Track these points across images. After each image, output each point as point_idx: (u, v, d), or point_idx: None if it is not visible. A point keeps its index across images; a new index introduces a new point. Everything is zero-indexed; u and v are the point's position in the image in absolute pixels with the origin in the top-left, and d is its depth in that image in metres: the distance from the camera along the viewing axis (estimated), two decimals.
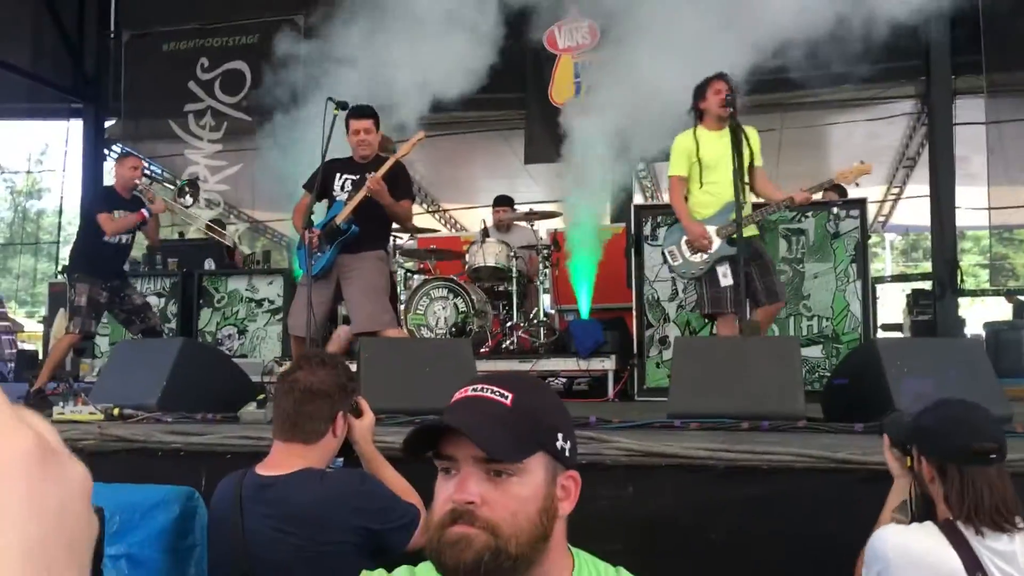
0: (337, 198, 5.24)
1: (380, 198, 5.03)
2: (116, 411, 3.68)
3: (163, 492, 2.24)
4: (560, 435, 1.27)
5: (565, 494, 1.27)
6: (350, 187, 5.22)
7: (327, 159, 5.12)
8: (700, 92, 5.06)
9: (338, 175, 5.28)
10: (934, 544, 1.94)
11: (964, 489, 1.96)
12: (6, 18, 10.61)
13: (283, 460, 2.12)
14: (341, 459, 2.32)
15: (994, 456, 2.00)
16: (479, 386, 1.26)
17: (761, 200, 5.02)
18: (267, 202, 11.24)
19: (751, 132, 5.07)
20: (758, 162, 5.04)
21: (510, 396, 1.24)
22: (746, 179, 4.90)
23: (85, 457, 2.87)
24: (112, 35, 11.48)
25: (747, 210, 4.80)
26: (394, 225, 5.82)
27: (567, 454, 1.28)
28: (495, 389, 1.25)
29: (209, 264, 7.85)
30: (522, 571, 1.21)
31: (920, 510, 2.10)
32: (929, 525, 2.00)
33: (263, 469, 2.12)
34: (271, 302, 7.25)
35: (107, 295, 5.97)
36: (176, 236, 9.09)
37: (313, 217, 5.15)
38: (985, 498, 1.94)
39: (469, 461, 1.20)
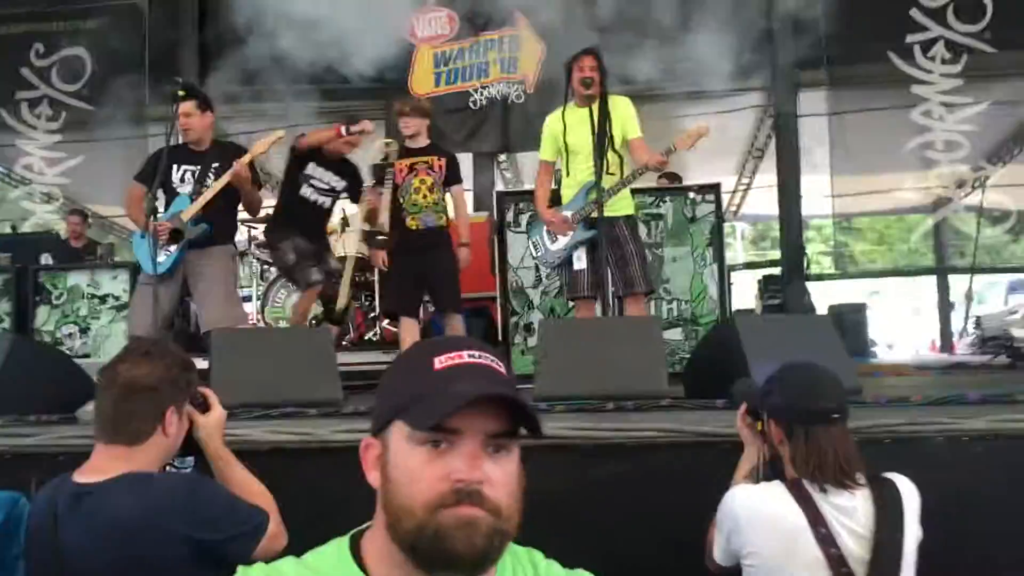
0: (179, 191, 4.94)
1: (243, 185, 4.82)
2: None
3: None
4: None
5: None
6: (191, 179, 4.94)
7: (159, 148, 4.92)
8: (568, 69, 4.93)
9: (175, 166, 4.99)
10: (780, 501, 2.01)
11: (809, 448, 2.04)
12: None
13: (104, 464, 1.89)
14: (191, 458, 2.12)
15: (836, 416, 2.08)
16: (474, 352, 1.13)
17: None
18: (112, 196, 10.64)
19: (620, 103, 4.92)
20: (632, 134, 4.87)
21: (503, 365, 1.14)
22: (618, 156, 4.78)
23: None
24: None
25: (610, 184, 4.67)
26: (244, 216, 5.59)
27: None
28: (491, 357, 1.14)
29: (46, 259, 7.34)
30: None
31: (769, 472, 2.15)
32: (776, 484, 2.07)
33: (81, 475, 1.89)
34: (116, 298, 6.82)
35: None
36: (8, 230, 8.50)
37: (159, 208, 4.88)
38: (829, 456, 2.02)
39: (478, 436, 1.07)
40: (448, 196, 5.43)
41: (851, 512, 1.99)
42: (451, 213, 5.50)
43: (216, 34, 10.32)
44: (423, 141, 5.44)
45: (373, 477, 1.15)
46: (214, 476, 2.10)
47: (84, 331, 6.82)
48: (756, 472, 2.21)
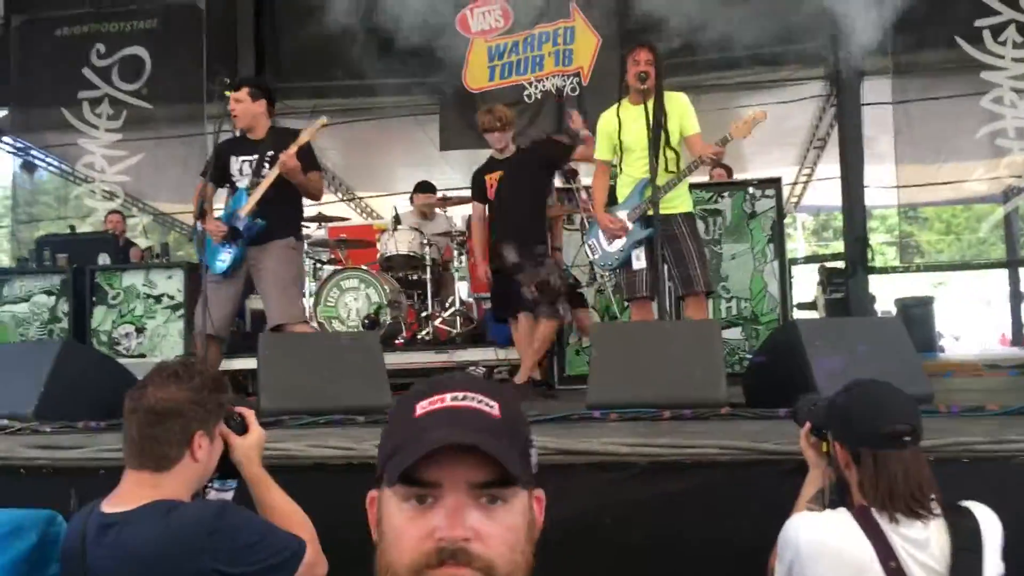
0: (238, 185, 4.91)
1: (293, 177, 4.73)
2: None
3: (19, 517, 1.96)
4: (533, 448, 1.07)
5: (539, 517, 1.07)
6: (248, 171, 4.89)
7: (220, 141, 4.88)
8: (623, 62, 4.82)
9: (234, 158, 4.95)
10: (846, 532, 1.86)
11: (878, 474, 1.88)
12: None
13: (131, 491, 1.82)
14: (233, 481, 2.04)
15: (908, 439, 1.91)
16: (458, 394, 1.02)
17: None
18: (172, 192, 10.79)
19: (676, 99, 4.77)
20: (690, 131, 4.71)
21: (496, 405, 1.02)
22: (675, 152, 4.65)
23: None
24: (2, 19, 10.84)
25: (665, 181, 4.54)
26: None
27: (534, 469, 1.07)
28: (480, 398, 1.02)
29: (104, 259, 7.42)
30: None
31: (835, 497, 2.00)
32: (842, 512, 1.92)
33: (109, 504, 1.82)
34: (171, 297, 6.86)
35: None
36: (67, 230, 8.63)
37: (219, 207, 4.88)
38: (899, 483, 1.86)
39: (460, 488, 0.97)
40: None
41: (924, 544, 1.83)
42: None
43: (272, 31, 10.39)
44: (510, 151, 5.42)
45: (375, 534, 1.05)
46: (253, 500, 2.03)
47: (140, 331, 6.87)
48: (821, 497, 2.06)
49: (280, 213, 4.87)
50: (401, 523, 0.98)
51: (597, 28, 8.89)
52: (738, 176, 7.86)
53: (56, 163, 11.02)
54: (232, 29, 10.34)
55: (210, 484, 2.01)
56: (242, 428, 2.03)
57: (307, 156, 4.81)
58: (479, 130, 5.54)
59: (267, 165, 4.82)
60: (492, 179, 5.46)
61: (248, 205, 4.77)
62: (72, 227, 8.66)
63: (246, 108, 4.90)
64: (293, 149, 4.67)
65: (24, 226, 10.73)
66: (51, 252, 7.36)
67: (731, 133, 4.55)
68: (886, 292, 11.93)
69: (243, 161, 4.91)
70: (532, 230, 5.32)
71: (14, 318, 7.07)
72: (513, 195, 5.29)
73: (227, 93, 4.84)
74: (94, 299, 6.94)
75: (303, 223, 6.30)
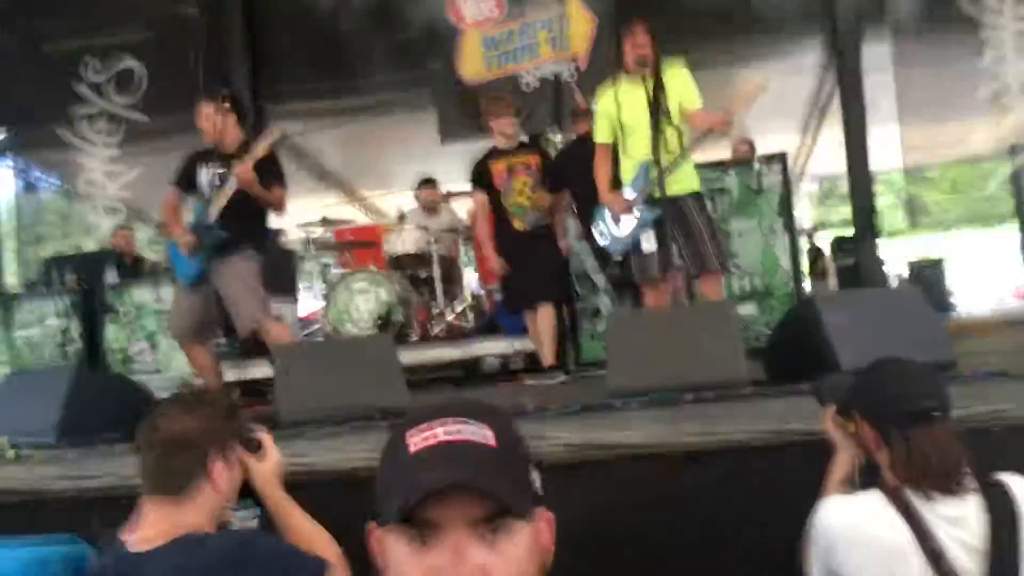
0: (205, 195, 4.86)
1: (250, 188, 4.65)
2: (12, 452, 3.34)
3: (44, 552, 1.94)
4: (533, 469, 1.04)
5: (547, 541, 1.05)
6: (218, 181, 4.83)
7: (192, 151, 4.89)
8: (619, 40, 4.67)
9: (203, 168, 4.89)
10: (881, 515, 1.80)
11: (910, 453, 1.82)
12: None
13: (153, 525, 1.80)
14: (257, 508, 2.01)
15: (937, 414, 1.85)
16: (452, 427, 0.99)
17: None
18: None
19: (675, 73, 4.59)
20: (691, 105, 4.54)
21: (491, 434, 0.99)
22: (676, 130, 4.50)
23: None
24: None
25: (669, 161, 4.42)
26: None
27: (539, 491, 1.04)
28: (474, 429, 0.99)
29: (112, 276, 7.40)
30: None
31: (866, 479, 1.96)
32: (875, 493, 1.86)
33: (131, 538, 1.80)
34: None
35: None
36: (73, 248, 8.63)
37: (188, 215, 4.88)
38: (932, 461, 1.80)
39: (460, 526, 0.94)
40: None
41: (962, 522, 1.77)
42: None
43: (263, 35, 10.35)
44: (517, 139, 5.41)
45: (379, 563, 1.02)
46: (276, 524, 2.01)
47: (154, 346, 6.87)
48: (851, 479, 2.02)
49: (240, 226, 4.80)
50: (404, 560, 0.96)
51: (591, 8, 8.81)
52: (724, 153, 7.79)
53: (57, 181, 11.01)
54: (224, 36, 10.29)
55: (235, 511, 1.99)
56: (259, 451, 2.01)
57: (267, 168, 4.76)
58: (489, 117, 5.47)
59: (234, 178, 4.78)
60: (499, 167, 5.42)
61: (211, 213, 4.76)
62: (78, 246, 8.67)
63: (213, 122, 4.89)
64: (248, 163, 4.62)
65: (30, 247, 10.72)
66: (59, 272, 7.36)
67: (731, 108, 4.43)
68: (897, 255, 11.86)
69: (212, 172, 4.88)
70: None
71: (28, 343, 7.07)
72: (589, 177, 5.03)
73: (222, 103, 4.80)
74: (106, 317, 6.94)
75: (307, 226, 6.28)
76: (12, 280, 10.44)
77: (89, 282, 7.13)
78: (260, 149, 4.72)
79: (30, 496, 2.52)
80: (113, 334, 6.94)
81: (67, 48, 10.35)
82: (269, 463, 2.01)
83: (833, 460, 2.09)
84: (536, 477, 1.02)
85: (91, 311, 6.99)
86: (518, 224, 5.42)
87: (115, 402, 3.65)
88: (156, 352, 6.84)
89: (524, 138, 5.52)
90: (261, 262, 4.95)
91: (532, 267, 5.32)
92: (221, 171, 4.83)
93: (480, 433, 0.98)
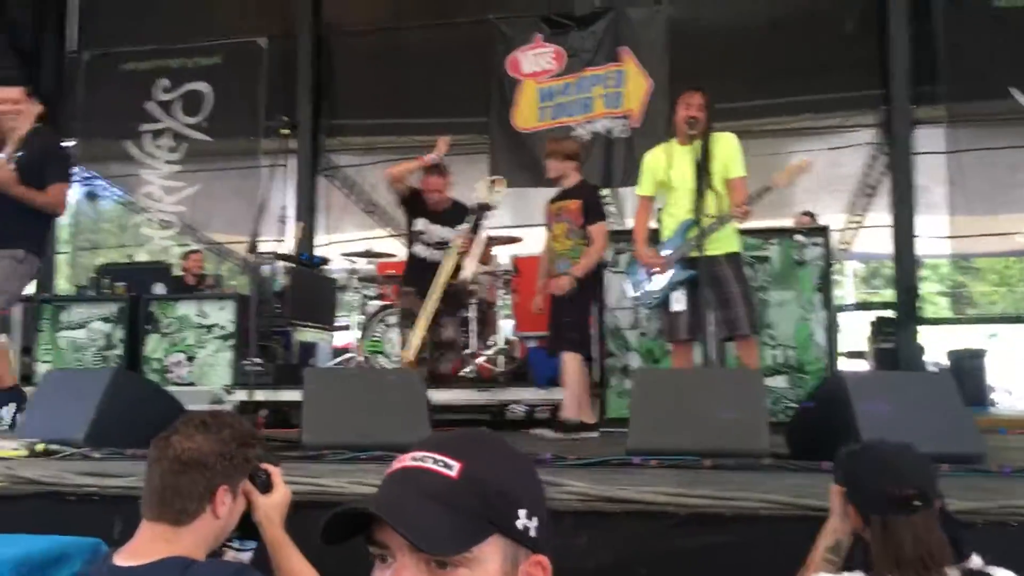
0: None
1: (8, 189, 4.37)
2: (42, 447, 3.45)
3: (64, 544, 2.00)
4: (522, 511, 1.01)
5: None
6: None
7: None
8: (673, 106, 4.83)
9: None
10: None
11: (885, 539, 1.80)
12: None
13: (146, 546, 1.72)
14: (253, 542, 1.93)
15: (917, 503, 1.81)
16: (420, 454, 1.01)
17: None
18: (226, 224, 11.07)
19: (724, 140, 4.71)
20: (734, 173, 4.65)
21: (457, 466, 0.99)
22: (718, 194, 4.57)
23: None
24: (72, 54, 11.27)
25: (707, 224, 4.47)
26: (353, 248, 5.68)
27: (532, 534, 1.01)
28: (438, 458, 1.00)
29: (160, 289, 7.60)
30: None
31: (860, 554, 1.94)
32: (858, 575, 1.83)
33: (122, 557, 1.71)
34: (222, 327, 7.00)
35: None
36: (125, 259, 8.86)
37: None
38: (907, 549, 1.76)
39: (405, 550, 0.96)
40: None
41: None
42: None
43: (329, 71, 10.64)
44: (568, 183, 5.42)
45: None
46: (271, 565, 1.94)
47: (191, 359, 7.01)
48: (840, 546, 2.00)
49: (9, 219, 4.54)
50: None
51: (648, 71, 8.95)
52: (787, 222, 7.83)
53: (118, 193, 11.35)
54: (291, 67, 10.62)
55: (228, 543, 1.92)
56: (267, 486, 1.93)
57: (43, 161, 4.54)
58: (566, 156, 5.45)
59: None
60: (550, 209, 5.46)
61: None
62: (130, 256, 8.91)
63: (17, 107, 4.62)
64: (5, 162, 4.35)
65: (85, 253, 11.04)
66: (110, 280, 7.57)
67: (773, 182, 4.54)
68: (938, 343, 11.71)
69: None
70: None
71: (71, 343, 7.28)
72: None
73: (284, 131, 4.93)
74: (148, 327, 7.11)
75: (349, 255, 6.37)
76: (64, 284, 10.74)
77: (136, 292, 7.33)
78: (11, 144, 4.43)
79: (54, 490, 2.60)
80: (153, 344, 7.10)
81: (143, 68, 10.75)
82: (275, 499, 1.92)
83: (824, 526, 2.07)
84: (524, 518, 1.01)
85: (135, 320, 7.17)
86: (553, 270, 5.43)
87: (148, 411, 3.73)
88: (192, 366, 6.98)
89: (573, 182, 5.47)
90: (31, 265, 4.69)
91: (558, 315, 5.31)
92: None
93: (443, 463, 1.00)
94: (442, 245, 5.67)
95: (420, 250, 5.65)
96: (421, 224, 5.63)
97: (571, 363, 5.25)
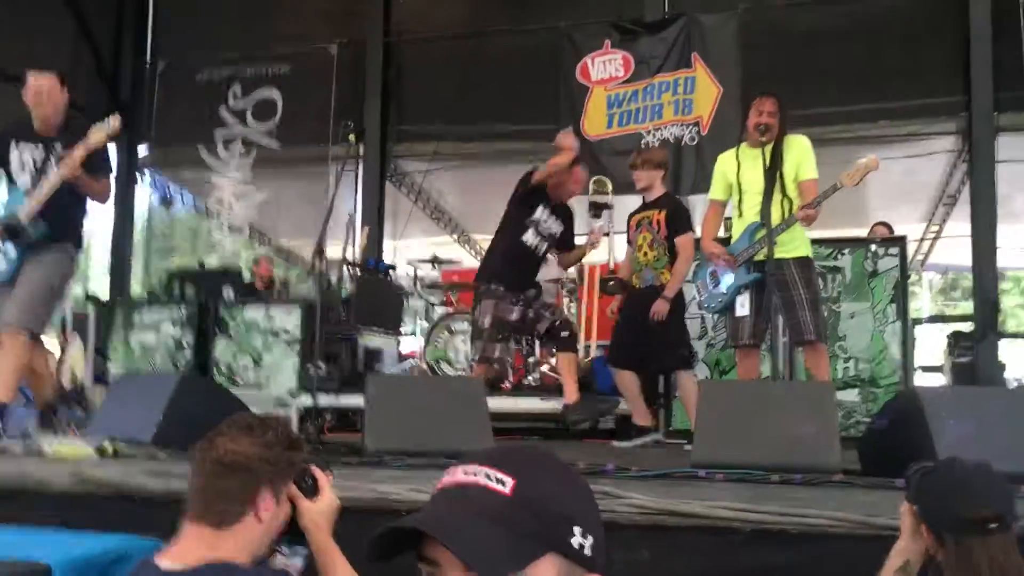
0: (17, 181, 4.48)
1: (78, 181, 4.36)
2: (110, 447, 3.51)
3: (124, 543, 2.02)
4: (577, 529, 0.97)
5: None
6: (31, 164, 4.47)
7: (6, 124, 4.52)
8: (746, 110, 4.83)
9: (18, 145, 4.49)
10: None
11: (959, 562, 1.73)
12: (44, 46, 10.71)
13: (188, 548, 1.71)
14: (304, 548, 1.90)
15: (994, 525, 1.74)
16: (472, 468, 0.97)
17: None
18: (294, 229, 11.25)
19: (796, 143, 4.66)
20: (805, 175, 4.59)
21: (511, 483, 0.95)
22: (789, 199, 4.53)
23: (52, 500, 2.71)
24: (148, 63, 11.59)
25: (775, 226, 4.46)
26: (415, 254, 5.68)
27: (587, 552, 0.97)
28: (492, 473, 0.96)
29: (230, 293, 7.74)
30: None
31: (932, 574, 1.86)
32: None
33: (166, 558, 1.70)
34: (287, 332, 7.09)
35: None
36: (197, 263, 9.05)
37: None
38: (983, 572, 1.70)
39: (456, 568, 0.92)
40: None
41: None
42: None
43: (397, 77, 10.73)
44: (654, 194, 5.38)
45: None
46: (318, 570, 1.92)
47: (257, 363, 7.11)
48: (911, 571, 1.91)
49: (65, 216, 4.50)
50: None
51: (719, 78, 8.82)
52: (862, 232, 7.63)
53: (190, 198, 11.62)
54: (360, 74, 10.72)
55: (278, 548, 1.89)
56: (313, 492, 1.90)
57: (97, 159, 4.45)
58: (656, 165, 5.38)
59: (52, 162, 4.42)
60: (633, 221, 5.41)
61: (28, 208, 4.38)
62: (201, 262, 9.09)
63: (52, 95, 4.50)
64: (79, 152, 4.28)
65: (157, 257, 11.32)
66: (180, 285, 7.75)
67: (841, 181, 4.46)
68: (1019, 358, 11.30)
69: (27, 153, 4.51)
70: None
71: (142, 346, 7.45)
72: None
73: (350, 137, 4.96)
74: (216, 331, 7.24)
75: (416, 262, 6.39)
76: (137, 288, 11.03)
77: (207, 297, 7.47)
78: (95, 138, 4.35)
79: (122, 491, 2.63)
80: (222, 347, 7.23)
81: (217, 76, 10.98)
82: (321, 505, 1.89)
83: (895, 546, 1.98)
84: (579, 536, 0.97)
85: (205, 324, 7.31)
86: (635, 280, 5.38)
87: (215, 413, 3.78)
88: (259, 369, 7.08)
89: (658, 193, 5.39)
90: (73, 260, 4.65)
91: (661, 333, 5.20)
92: (38, 151, 4.48)
93: (497, 479, 0.96)
94: (548, 239, 5.56)
95: (530, 237, 5.39)
96: (541, 213, 5.40)
97: (689, 383, 5.20)
